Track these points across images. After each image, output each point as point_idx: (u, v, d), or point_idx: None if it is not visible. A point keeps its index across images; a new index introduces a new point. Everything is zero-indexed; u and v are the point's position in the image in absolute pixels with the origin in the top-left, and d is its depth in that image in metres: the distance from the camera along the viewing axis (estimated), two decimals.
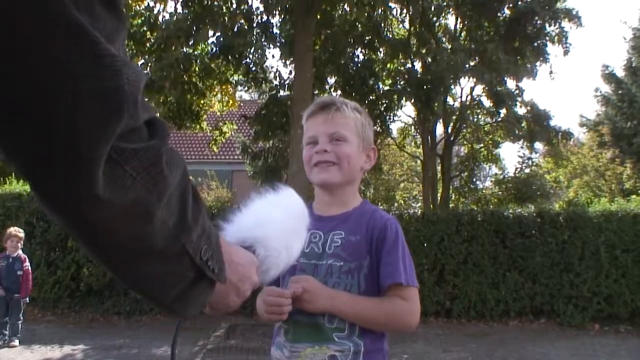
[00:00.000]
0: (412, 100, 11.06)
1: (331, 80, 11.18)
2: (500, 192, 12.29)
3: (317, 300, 1.47)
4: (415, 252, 8.30)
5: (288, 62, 10.22)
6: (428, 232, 8.42)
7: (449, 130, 11.72)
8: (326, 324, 1.50)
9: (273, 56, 10.75)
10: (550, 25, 10.46)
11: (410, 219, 8.75)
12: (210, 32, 9.12)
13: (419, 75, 10.89)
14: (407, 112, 12.06)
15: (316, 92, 10.69)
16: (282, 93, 10.70)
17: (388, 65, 11.56)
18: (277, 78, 10.58)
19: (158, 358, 6.25)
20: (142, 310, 8.07)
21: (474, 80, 11.30)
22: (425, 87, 10.31)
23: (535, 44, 10.57)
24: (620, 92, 14.11)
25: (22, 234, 6.62)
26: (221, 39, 9.17)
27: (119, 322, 7.92)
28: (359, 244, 1.53)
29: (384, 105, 11.32)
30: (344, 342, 1.49)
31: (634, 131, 13.06)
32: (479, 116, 11.96)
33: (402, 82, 11.18)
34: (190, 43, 9.15)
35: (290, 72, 10.06)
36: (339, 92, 11.14)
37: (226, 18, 8.91)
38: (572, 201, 11.30)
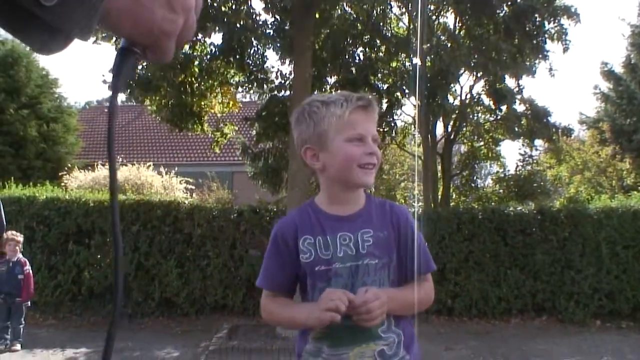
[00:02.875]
0: (415, 97, 11.05)
1: (331, 79, 11.17)
2: (500, 190, 12.29)
3: (390, 304, 1.48)
4: None
5: (287, 62, 10.21)
6: (429, 231, 8.41)
7: (449, 129, 11.72)
8: None
9: (277, 51, 10.67)
10: (549, 23, 10.42)
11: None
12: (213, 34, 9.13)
13: (423, 71, 10.86)
14: (406, 111, 12.00)
15: (316, 92, 10.69)
16: (282, 93, 10.69)
17: (389, 64, 11.54)
18: (279, 77, 10.56)
19: None
20: (144, 313, 8.08)
21: (475, 77, 11.29)
22: (428, 83, 10.30)
23: (535, 42, 10.54)
24: (619, 89, 14.13)
25: (19, 237, 6.61)
26: (225, 37, 9.15)
27: (120, 325, 7.91)
28: (388, 239, 1.55)
29: (387, 103, 11.31)
30: (388, 335, 1.52)
31: (633, 127, 13.07)
32: (479, 114, 11.96)
33: (404, 79, 11.16)
34: (192, 42, 9.14)
35: (290, 72, 10.05)
36: (340, 91, 11.11)
37: (229, 17, 8.90)
38: (573, 198, 11.30)
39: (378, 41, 11.10)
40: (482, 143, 12.64)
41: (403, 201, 13.81)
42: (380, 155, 1.56)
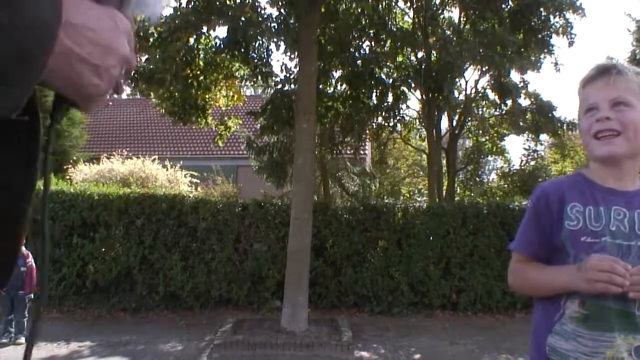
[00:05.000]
0: (421, 90, 11.01)
1: (337, 73, 11.13)
2: (505, 185, 12.23)
3: None
4: (420, 246, 8.30)
5: (293, 56, 10.17)
6: (434, 225, 8.39)
7: (454, 124, 11.67)
8: (636, 312, 1.35)
9: (278, 48, 10.64)
10: (554, 17, 10.36)
11: (416, 212, 8.73)
12: (217, 27, 9.11)
13: (429, 65, 10.82)
14: (412, 105, 12.02)
15: (321, 86, 10.66)
16: (287, 87, 10.66)
17: (395, 58, 11.50)
18: (284, 71, 10.53)
19: (164, 354, 6.25)
20: (148, 306, 8.09)
21: (480, 72, 11.24)
22: (434, 75, 10.26)
23: (540, 36, 10.48)
24: None
25: None
26: (229, 30, 9.12)
27: (125, 318, 7.93)
28: None
29: (394, 97, 11.28)
30: None
31: None
32: (484, 109, 11.90)
33: (410, 73, 11.12)
34: (196, 35, 9.12)
35: (296, 65, 10.01)
36: (345, 85, 11.12)
37: (234, 10, 8.87)
38: None
39: (383, 35, 11.05)
40: (486, 138, 12.58)
41: (407, 196, 13.75)
42: (628, 118, 1.37)
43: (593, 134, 1.40)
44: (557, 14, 10.22)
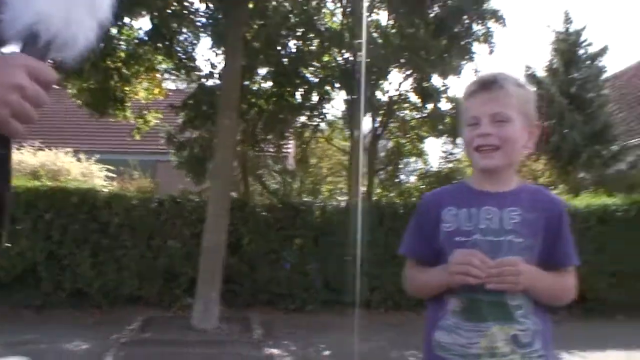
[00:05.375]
0: (345, 91, 11.14)
1: (262, 70, 11.10)
2: (423, 186, 12.57)
3: (527, 279, 1.43)
4: (337, 244, 8.41)
5: (219, 52, 10.06)
6: (350, 224, 8.51)
7: (377, 125, 11.86)
8: (509, 302, 1.46)
9: (197, 42, 10.36)
10: (477, 25, 10.71)
11: (334, 210, 8.83)
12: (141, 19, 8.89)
13: (354, 66, 10.95)
14: (336, 105, 12.18)
15: (246, 82, 10.59)
16: (211, 82, 10.54)
17: (321, 58, 11.57)
18: (209, 66, 10.40)
19: (68, 353, 6.05)
20: (53, 303, 7.77)
21: (404, 75, 11.47)
22: (358, 78, 10.39)
23: (462, 43, 10.81)
24: (540, 92, 14.73)
25: None
26: (153, 22, 8.92)
27: (28, 316, 7.60)
28: (536, 222, 1.50)
29: (318, 96, 11.35)
30: (525, 321, 1.47)
31: (551, 130, 13.66)
32: (406, 111, 12.16)
33: (335, 73, 11.22)
34: (118, 26, 8.84)
35: (220, 61, 9.91)
36: (270, 83, 11.09)
37: (159, 2, 8.67)
38: None
39: (311, 34, 11.10)
40: (407, 140, 12.88)
41: (328, 194, 13.90)
42: (506, 134, 1.48)
43: (475, 147, 1.51)
44: (480, 22, 10.58)
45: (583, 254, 6.40)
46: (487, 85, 1.52)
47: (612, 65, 35.92)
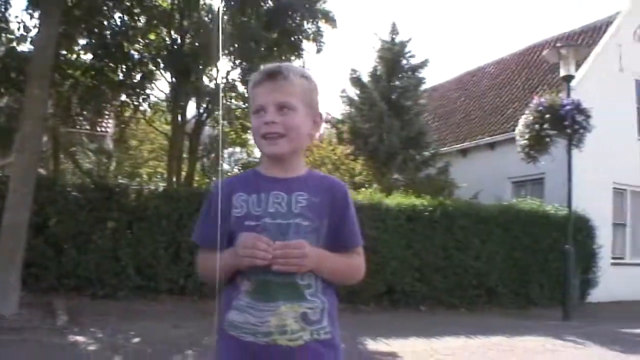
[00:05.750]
0: (170, 72, 10.83)
1: (82, 41, 10.37)
2: None
3: (312, 261, 1.48)
4: (151, 230, 8.19)
5: (35, 15, 9.18)
6: (168, 209, 8.34)
7: (202, 111, 11.73)
8: (299, 281, 1.50)
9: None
10: (308, 23, 11.06)
11: (151, 195, 8.58)
12: None
13: (181, 48, 10.69)
14: (161, 87, 11.70)
15: (64, 52, 9.82)
16: (23, 48, 9.61)
17: (148, 35, 11.13)
18: (21, 29, 9.43)
19: None
20: None
21: (233, 64, 11.48)
22: (185, 59, 10.17)
23: (292, 39, 11.10)
24: (363, 95, 15.67)
25: None
26: None
27: None
28: (322, 205, 1.55)
29: (141, 74, 10.89)
30: (314, 300, 1.51)
31: (370, 132, 14.61)
32: (232, 100, 12.19)
33: (161, 53, 10.86)
34: None
35: (35, 25, 9.05)
36: (90, 55, 10.42)
37: None
38: None
39: (139, 10, 10.62)
40: (232, 129, 12.93)
41: (147, 178, 13.44)
42: (291, 122, 1.54)
43: (261, 134, 1.57)
44: (311, 20, 10.95)
45: (393, 250, 7.15)
46: (273, 75, 1.57)
47: (431, 77, 39.39)
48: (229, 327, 1.54)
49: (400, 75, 15.74)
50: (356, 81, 16.01)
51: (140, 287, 8.14)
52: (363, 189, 11.38)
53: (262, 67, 1.72)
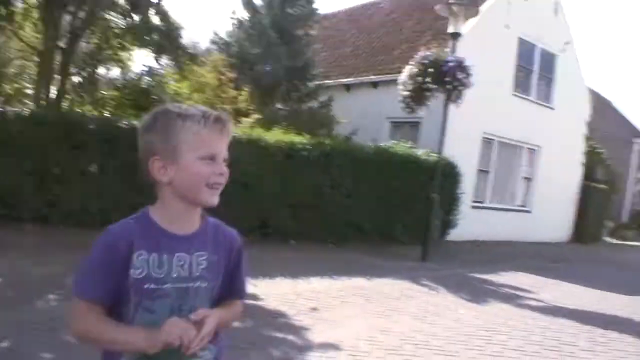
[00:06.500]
0: None
1: None
2: (121, 97, 12.02)
3: (215, 327, 1.49)
4: (16, 156, 7.70)
5: None
6: (33, 135, 7.85)
7: (78, 25, 10.83)
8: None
9: None
10: None
11: (16, 119, 8.00)
12: None
13: None
14: None
15: None
16: None
17: None
18: None
19: None
20: None
21: None
22: None
23: None
24: (254, 19, 15.08)
25: None
26: None
27: None
28: (219, 264, 1.56)
29: None
30: (205, 354, 1.53)
31: (257, 58, 14.23)
32: (112, 16, 11.34)
33: None
34: None
35: None
36: (195, 105, 9.10)
37: None
38: None
39: None
40: (108, 45, 12.08)
41: (12, 98, 12.34)
42: (227, 176, 1.52)
43: (209, 183, 1.49)
44: None
45: (269, 186, 7.30)
46: (222, 122, 1.52)
47: (324, 6, 38.19)
48: None
49: (294, 4, 15.28)
50: (248, 4, 15.40)
51: (2, 216, 7.73)
52: (244, 118, 11.21)
53: (195, 106, 1.58)
